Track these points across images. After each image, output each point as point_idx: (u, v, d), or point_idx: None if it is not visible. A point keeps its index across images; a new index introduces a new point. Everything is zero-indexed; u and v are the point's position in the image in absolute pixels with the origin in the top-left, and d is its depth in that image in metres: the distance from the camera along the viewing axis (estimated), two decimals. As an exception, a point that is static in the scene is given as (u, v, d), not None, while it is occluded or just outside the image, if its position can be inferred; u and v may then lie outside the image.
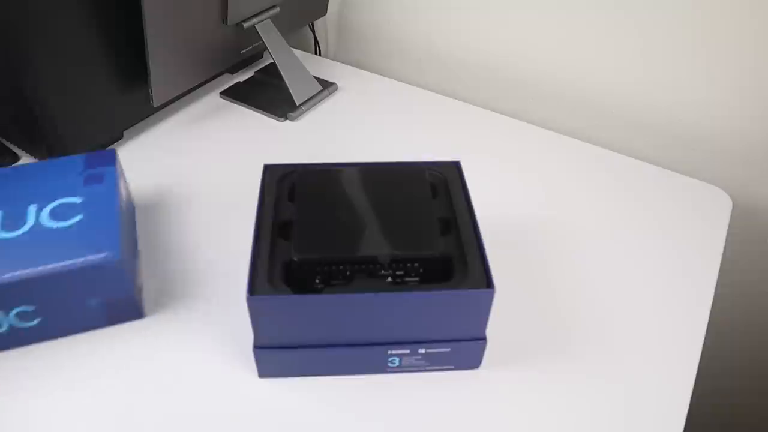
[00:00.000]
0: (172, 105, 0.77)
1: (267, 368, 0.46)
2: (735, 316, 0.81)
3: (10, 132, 0.68)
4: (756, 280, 0.79)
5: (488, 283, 0.42)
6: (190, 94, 0.80)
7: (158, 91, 0.65)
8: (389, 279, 0.43)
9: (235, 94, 0.82)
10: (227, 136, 0.74)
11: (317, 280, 0.43)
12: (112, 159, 0.56)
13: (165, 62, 0.65)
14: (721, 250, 0.62)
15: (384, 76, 0.88)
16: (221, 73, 0.83)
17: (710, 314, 0.54)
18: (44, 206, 0.50)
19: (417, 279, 0.43)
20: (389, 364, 0.46)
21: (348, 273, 0.43)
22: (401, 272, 0.43)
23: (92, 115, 0.60)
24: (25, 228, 0.48)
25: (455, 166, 0.52)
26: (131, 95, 0.69)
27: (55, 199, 0.51)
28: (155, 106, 0.66)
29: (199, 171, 0.68)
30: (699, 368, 0.50)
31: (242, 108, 0.80)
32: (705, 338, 0.52)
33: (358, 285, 0.42)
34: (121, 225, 0.50)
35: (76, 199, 0.51)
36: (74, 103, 0.64)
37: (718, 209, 0.67)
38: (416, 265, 0.43)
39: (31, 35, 0.57)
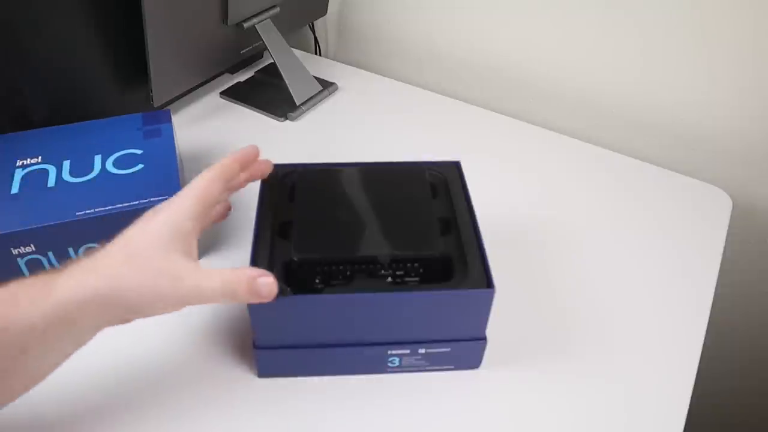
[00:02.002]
0: (172, 105, 0.77)
1: (267, 368, 0.46)
2: (735, 316, 0.81)
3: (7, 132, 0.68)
4: (756, 280, 0.79)
5: (488, 283, 0.42)
6: (190, 94, 0.80)
7: (158, 91, 0.65)
8: (389, 279, 0.43)
9: (235, 94, 0.82)
10: (227, 136, 0.74)
11: (317, 280, 0.43)
12: (168, 117, 0.61)
13: (165, 62, 0.65)
14: (721, 250, 0.61)
15: (384, 76, 0.88)
16: (221, 73, 0.83)
17: (710, 314, 0.54)
18: (108, 156, 0.55)
19: (417, 279, 0.43)
20: (389, 364, 0.46)
21: (348, 273, 0.43)
22: (401, 272, 0.43)
23: (92, 115, 0.60)
24: (93, 174, 0.53)
25: (455, 166, 0.52)
26: (131, 95, 0.69)
27: (118, 151, 0.56)
28: (155, 106, 0.66)
29: (199, 171, 0.67)
30: (699, 368, 0.50)
31: (242, 108, 0.80)
32: (705, 338, 0.52)
33: (358, 285, 0.42)
34: (180, 172, 0.55)
35: (138, 151, 0.56)
36: (74, 103, 0.64)
37: (718, 209, 0.67)
38: (416, 265, 0.43)
39: (30, 35, 0.57)
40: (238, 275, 0.36)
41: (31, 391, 0.36)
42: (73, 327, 0.34)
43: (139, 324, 0.49)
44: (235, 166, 0.43)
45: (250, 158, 0.44)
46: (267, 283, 0.37)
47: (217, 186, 0.40)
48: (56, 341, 0.34)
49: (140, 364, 0.47)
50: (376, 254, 0.43)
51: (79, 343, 0.36)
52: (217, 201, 0.41)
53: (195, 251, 0.38)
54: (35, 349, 0.33)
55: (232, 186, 0.44)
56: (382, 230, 0.45)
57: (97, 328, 0.36)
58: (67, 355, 0.36)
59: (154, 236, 0.36)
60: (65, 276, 0.34)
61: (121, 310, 0.35)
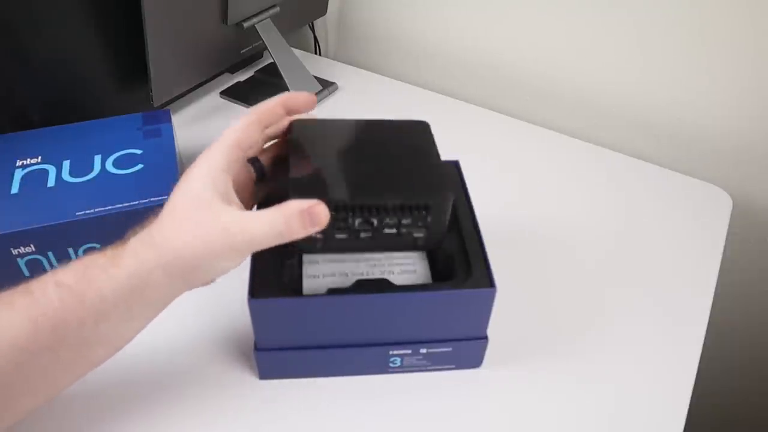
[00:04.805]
0: (172, 105, 0.76)
1: (268, 370, 0.46)
2: (735, 316, 0.81)
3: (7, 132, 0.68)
4: (756, 279, 0.79)
5: (490, 283, 0.42)
6: (190, 94, 0.80)
7: (158, 91, 0.65)
8: (394, 231, 0.40)
9: (235, 94, 0.82)
10: (227, 136, 0.74)
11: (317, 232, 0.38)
12: (168, 117, 0.60)
13: (165, 62, 0.64)
14: (722, 249, 0.62)
15: (384, 75, 0.88)
16: (221, 73, 0.83)
17: (710, 314, 0.54)
18: (108, 156, 0.55)
19: (423, 234, 0.40)
20: (390, 365, 0.46)
21: (350, 221, 0.39)
22: (408, 221, 0.39)
23: (92, 115, 0.60)
24: (93, 174, 0.53)
25: (455, 166, 0.52)
26: (131, 95, 0.69)
27: (118, 151, 0.56)
28: (155, 106, 0.66)
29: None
30: (699, 368, 0.50)
31: (242, 108, 0.80)
32: (705, 338, 0.52)
33: (360, 239, 0.40)
34: (180, 173, 0.54)
35: (137, 151, 0.56)
36: (74, 103, 0.64)
37: (718, 209, 0.67)
38: (424, 212, 0.39)
39: (30, 35, 0.57)
40: (286, 211, 0.35)
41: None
42: (143, 298, 0.35)
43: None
44: (277, 110, 0.41)
45: (297, 104, 0.42)
46: (320, 211, 0.35)
47: (253, 131, 0.39)
48: (127, 312, 0.35)
49: (140, 366, 0.47)
50: (379, 201, 0.38)
51: (157, 309, 0.37)
52: (253, 145, 0.39)
53: (234, 197, 0.37)
54: (109, 320, 0.35)
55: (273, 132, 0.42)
56: (385, 178, 0.41)
57: (172, 295, 0.37)
58: (146, 319, 0.37)
59: (194, 195, 0.36)
60: (129, 252, 0.35)
61: (187, 274, 0.35)
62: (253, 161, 0.42)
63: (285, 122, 0.42)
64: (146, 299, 0.36)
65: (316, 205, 0.35)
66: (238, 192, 0.38)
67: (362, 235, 0.40)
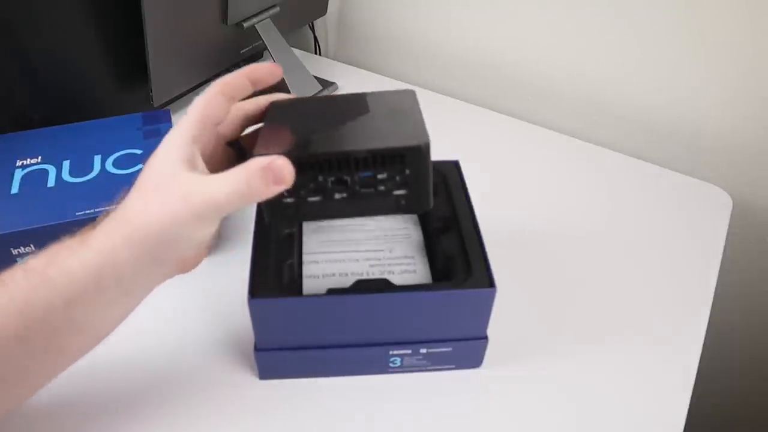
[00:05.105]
0: (172, 105, 0.76)
1: (268, 370, 0.46)
2: (735, 316, 0.81)
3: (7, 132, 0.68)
4: (756, 279, 0.79)
5: (490, 283, 0.42)
6: (190, 94, 0.80)
7: (158, 91, 0.65)
8: (372, 189, 0.36)
9: (234, 93, 0.81)
10: (227, 136, 0.74)
11: (285, 194, 0.35)
12: (168, 117, 0.61)
13: (165, 62, 0.64)
14: (721, 249, 0.62)
15: (384, 75, 0.88)
16: (221, 73, 0.82)
17: (710, 314, 0.54)
18: (108, 156, 0.55)
19: (404, 191, 0.36)
20: (390, 365, 0.46)
21: (321, 180, 0.35)
22: (383, 175, 0.35)
23: (92, 115, 0.60)
24: (93, 174, 0.54)
25: (454, 166, 0.52)
26: (131, 95, 0.69)
27: (118, 151, 0.56)
28: (155, 106, 0.66)
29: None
30: (699, 368, 0.50)
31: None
32: (705, 338, 0.52)
33: (335, 202, 0.36)
34: None
35: (137, 151, 0.56)
36: (74, 103, 0.64)
37: (718, 208, 0.67)
38: (399, 163, 0.35)
39: (30, 35, 0.57)
40: (248, 168, 0.33)
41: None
42: (113, 279, 0.34)
43: (138, 325, 0.49)
44: (241, 82, 0.38)
45: (261, 74, 0.39)
46: (282, 165, 0.32)
47: (218, 103, 0.37)
48: (100, 294, 0.34)
49: (140, 366, 0.47)
50: (349, 149, 0.35)
51: (132, 293, 0.36)
52: (222, 117, 0.38)
53: (201, 164, 0.36)
54: (81, 303, 0.33)
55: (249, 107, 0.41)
56: (359, 128, 0.38)
57: (144, 276, 0.35)
58: (123, 306, 0.36)
59: (159, 166, 0.35)
60: (98, 231, 0.34)
61: (155, 248, 0.34)
62: (233, 145, 0.41)
63: (262, 102, 0.41)
64: (117, 280, 0.34)
65: (276, 159, 0.32)
66: (207, 162, 0.37)
67: (337, 196, 0.36)
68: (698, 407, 0.52)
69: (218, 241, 0.57)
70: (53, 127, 0.58)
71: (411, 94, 0.41)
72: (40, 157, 0.54)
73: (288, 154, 0.33)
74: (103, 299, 0.34)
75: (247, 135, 0.42)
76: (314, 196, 0.36)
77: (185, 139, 0.35)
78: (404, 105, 0.40)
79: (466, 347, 0.46)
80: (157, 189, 0.34)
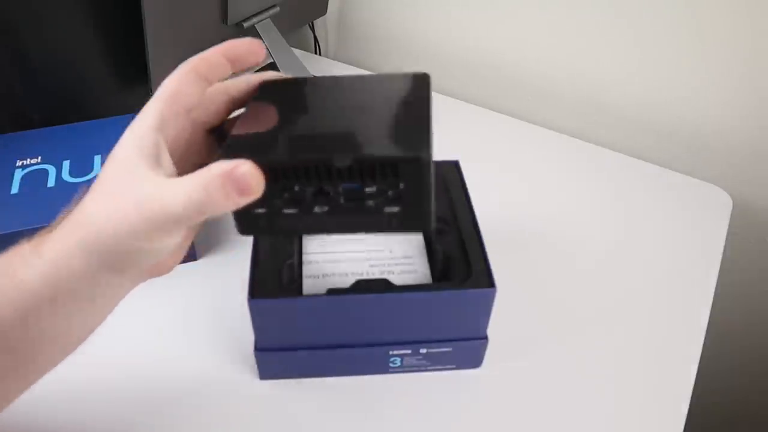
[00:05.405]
0: (172, 105, 0.76)
1: (268, 370, 0.46)
2: (735, 316, 0.81)
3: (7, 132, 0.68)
4: (756, 279, 0.79)
5: (490, 283, 0.42)
6: (190, 93, 0.80)
7: (158, 91, 0.65)
8: (358, 204, 0.29)
9: (234, 93, 0.81)
10: (227, 135, 0.74)
11: (257, 203, 0.28)
12: None
13: (165, 62, 0.64)
14: (722, 249, 0.62)
15: (384, 75, 0.88)
16: (221, 73, 0.83)
17: (710, 314, 0.54)
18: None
19: (397, 209, 0.29)
20: (391, 365, 0.46)
21: (298, 191, 0.29)
22: (372, 189, 0.28)
23: (92, 115, 0.60)
24: (93, 174, 0.53)
25: (454, 166, 0.52)
26: (131, 95, 0.69)
27: None
28: (155, 106, 0.66)
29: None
30: (699, 368, 0.50)
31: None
32: (705, 338, 0.52)
33: (315, 216, 0.30)
34: None
35: None
36: (74, 103, 0.64)
37: (718, 208, 0.67)
38: (392, 176, 0.28)
39: (30, 35, 0.57)
40: (206, 175, 0.27)
41: (29, 395, 0.36)
42: (69, 291, 0.30)
43: (138, 325, 0.49)
44: (217, 60, 0.33)
45: (240, 51, 0.33)
46: (246, 172, 0.26)
47: (189, 82, 0.32)
48: (58, 307, 0.30)
49: (140, 367, 0.47)
50: (331, 156, 0.28)
51: (97, 303, 0.32)
52: (194, 101, 0.32)
53: (166, 161, 0.30)
54: (39, 318, 0.30)
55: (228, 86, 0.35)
56: (349, 130, 0.31)
57: (102, 285, 0.31)
58: (91, 316, 0.32)
59: (119, 161, 0.30)
60: (52, 237, 0.31)
61: (110, 256, 0.30)
62: (216, 132, 0.35)
63: (254, 81, 0.35)
64: (72, 292, 0.30)
65: (240, 165, 0.26)
66: (182, 153, 0.32)
67: (317, 209, 0.30)
68: (698, 407, 0.52)
69: (206, 239, 0.57)
70: (53, 127, 0.58)
71: (423, 80, 0.34)
72: (40, 157, 0.54)
73: (259, 156, 0.27)
74: (61, 310, 0.31)
75: (231, 120, 0.36)
76: (290, 207, 0.30)
77: (151, 123, 0.30)
78: (412, 95, 0.34)
79: (466, 347, 0.46)
80: (112, 192, 0.29)
